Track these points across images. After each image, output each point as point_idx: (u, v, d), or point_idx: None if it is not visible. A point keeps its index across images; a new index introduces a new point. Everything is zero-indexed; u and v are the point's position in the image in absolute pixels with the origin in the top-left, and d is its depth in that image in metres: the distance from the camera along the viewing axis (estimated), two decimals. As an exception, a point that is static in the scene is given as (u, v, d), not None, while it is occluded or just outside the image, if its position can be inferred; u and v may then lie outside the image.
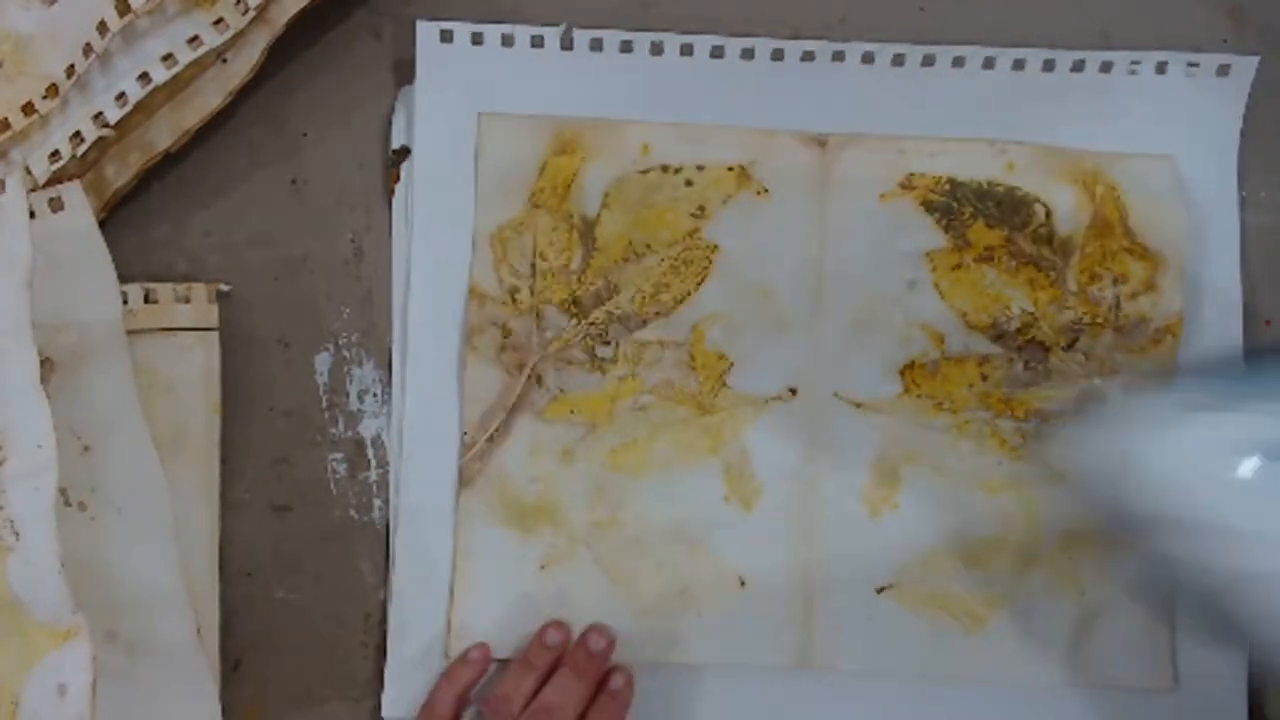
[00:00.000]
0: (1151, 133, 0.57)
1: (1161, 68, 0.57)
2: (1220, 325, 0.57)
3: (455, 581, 0.54)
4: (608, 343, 0.56)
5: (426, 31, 0.56)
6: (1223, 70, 0.57)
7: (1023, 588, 0.54)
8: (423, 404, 0.55)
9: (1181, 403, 0.43)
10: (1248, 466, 0.39)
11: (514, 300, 0.56)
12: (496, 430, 0.55)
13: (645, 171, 0.57)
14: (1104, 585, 0.55)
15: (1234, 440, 0.40)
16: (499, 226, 0.56)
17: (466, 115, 0.56)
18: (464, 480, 0.55)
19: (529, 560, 0.54)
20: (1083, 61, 0.57)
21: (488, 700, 0.51)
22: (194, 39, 0.53)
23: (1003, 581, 0.54)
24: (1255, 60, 0.57)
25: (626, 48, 0.57)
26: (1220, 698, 0.54)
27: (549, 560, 0.54)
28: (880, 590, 0.54)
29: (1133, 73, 0.57)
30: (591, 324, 0.56)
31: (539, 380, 0.55)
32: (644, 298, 0.56)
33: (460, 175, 0.56)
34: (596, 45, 0.57)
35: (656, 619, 0.54)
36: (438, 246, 0.56)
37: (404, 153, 0.57)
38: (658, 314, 0.56)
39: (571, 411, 0.55)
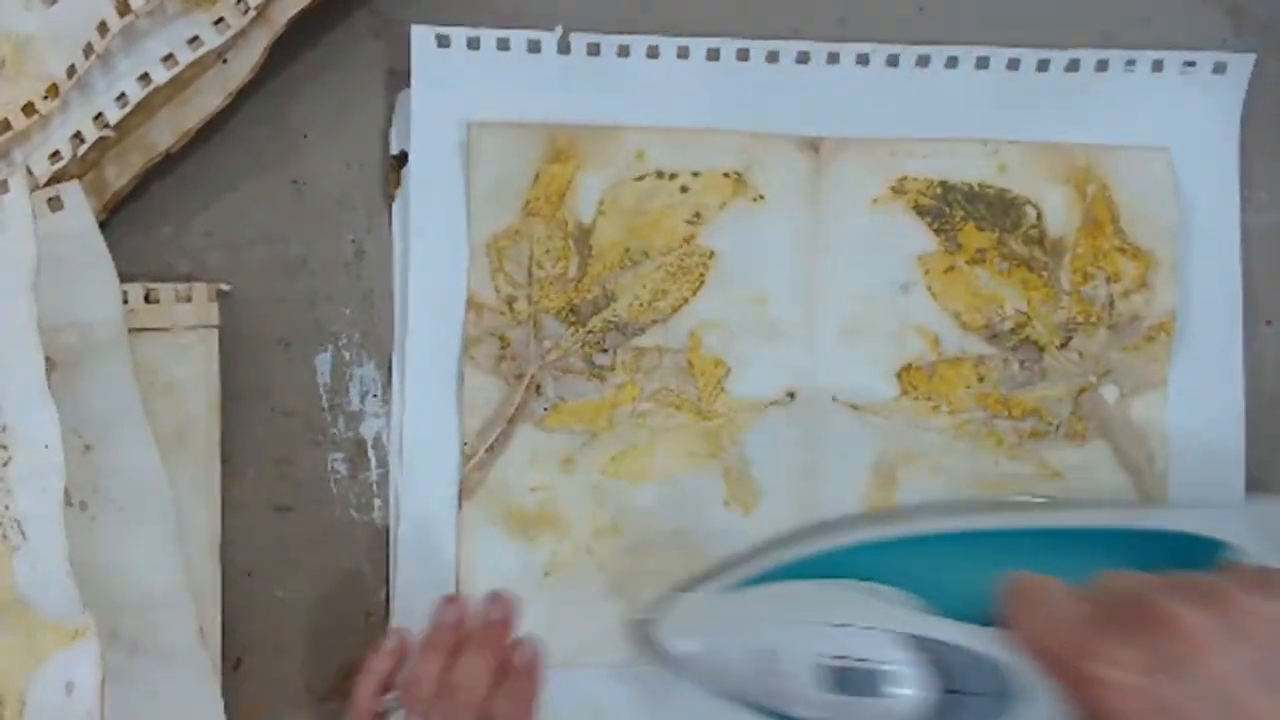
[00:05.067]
0: (1149, 131, 0.58)
1: (1158, 66, 0.58)
2: (1219, 324, 0.57)
3: (460, 592, 0.54)
4: (606, 350, 0.56)
5: (422, 36, 0.56)
6: (1219, 68, 0.58)
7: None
8: (423, 415, 0.55)
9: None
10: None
11: (511, 309, 0.56)
12: (497, 440, 0.55)
13: (640, 178, 0.57)
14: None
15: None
16: (494, 235, 0.56)
17: (460, 123, 0.56)
18: (465, 491, 0.55)
19: (533, 569, 0.55)
20: (1077, 61, 0.57)
21: (402, 685, 0.49)
22: (194, 39, 0.53)
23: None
24: (1252, 58, 0.57)
25: (623, 52, 0.57)
26: None
27: (552, 568, 0.55)
28: (880, 592, 0.54)
29: (1129, 71, 0.58)
30: (589, 332, 0.56)
31: (538, 389, 0.56)
32: (641, 305, 0.56)
33: (455, 184, 0.56)
34: (594, 50, 0.57)
35: (658, 623, 0.54)
36: (435, 257, 0.56)
37: (403, 159, 0.57)
38: (655, 321, 0.56)
39: (571, 420, 0.55)
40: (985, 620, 0.45)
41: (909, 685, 0.45)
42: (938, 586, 0.48)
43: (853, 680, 0.46)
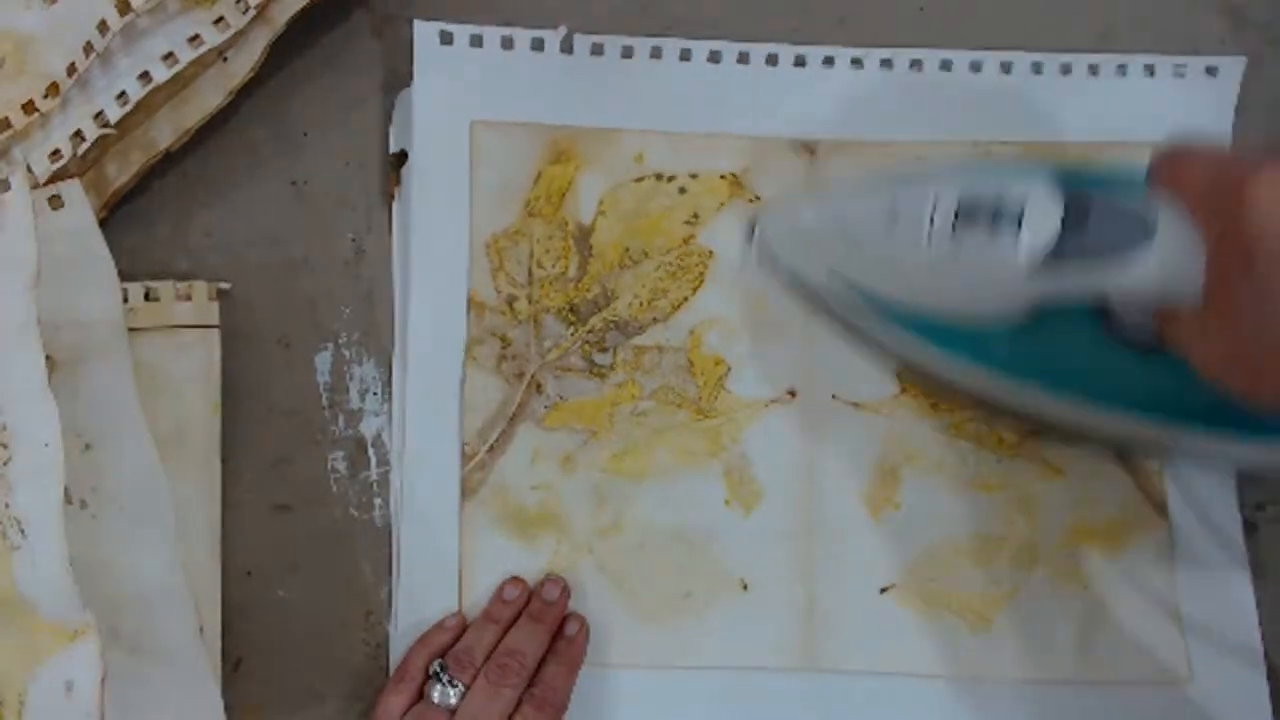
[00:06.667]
0: (1141, 134, 0.57)
1: (1150, 70, 0.58)
2: None
3: (462, 592, 0.54)
4: (606, 349, 0.56)
5: (425, 32, 0.56)
6: (1210, 71, 0.58)
7: (1026, 584, 0.54)
8: (423, 414, 0.55)
9: None
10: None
11: (512, 309, 0.56)
12: (497, 440, 0.55)
13: (640, 180, 0.57)
14: (1106, 580, 0.54)
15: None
16: (494, 235, 0.56)
17: (462, 122, 0.57)
18: (466, 491, 0.54)
19: (534, 568, 0.54)
20: (1070, 65, 0.58)
21: (453, 654, 0.51)
22: (195, 38, 0.53)
23: (1005, 579, 0.54)
24: (1243, 60, 0.58)
25: (627, 53, 0.57)
26: (1239, 686, 0.54)
27: (553, 568, 0.54)
28: (883, 590, 0.54)
29: (1120, 76, 0.58)
30: (590, 331, 0.56)
31: (538, 388, 0.55)
32: (641, 304, 0.56)
33: (457, 184, 0.56)
34: (598, 50, 0.57)
35: (660, 623, 0.54)
36: (435, 256, 0.56)
37: (403, 157, 0.57)
38: (655, 320, 0.56)
39: (571, 419, 0.55)
40: None
41: (1035, 213, 0.44)
42: None
43: (975, 218, 0.45)
